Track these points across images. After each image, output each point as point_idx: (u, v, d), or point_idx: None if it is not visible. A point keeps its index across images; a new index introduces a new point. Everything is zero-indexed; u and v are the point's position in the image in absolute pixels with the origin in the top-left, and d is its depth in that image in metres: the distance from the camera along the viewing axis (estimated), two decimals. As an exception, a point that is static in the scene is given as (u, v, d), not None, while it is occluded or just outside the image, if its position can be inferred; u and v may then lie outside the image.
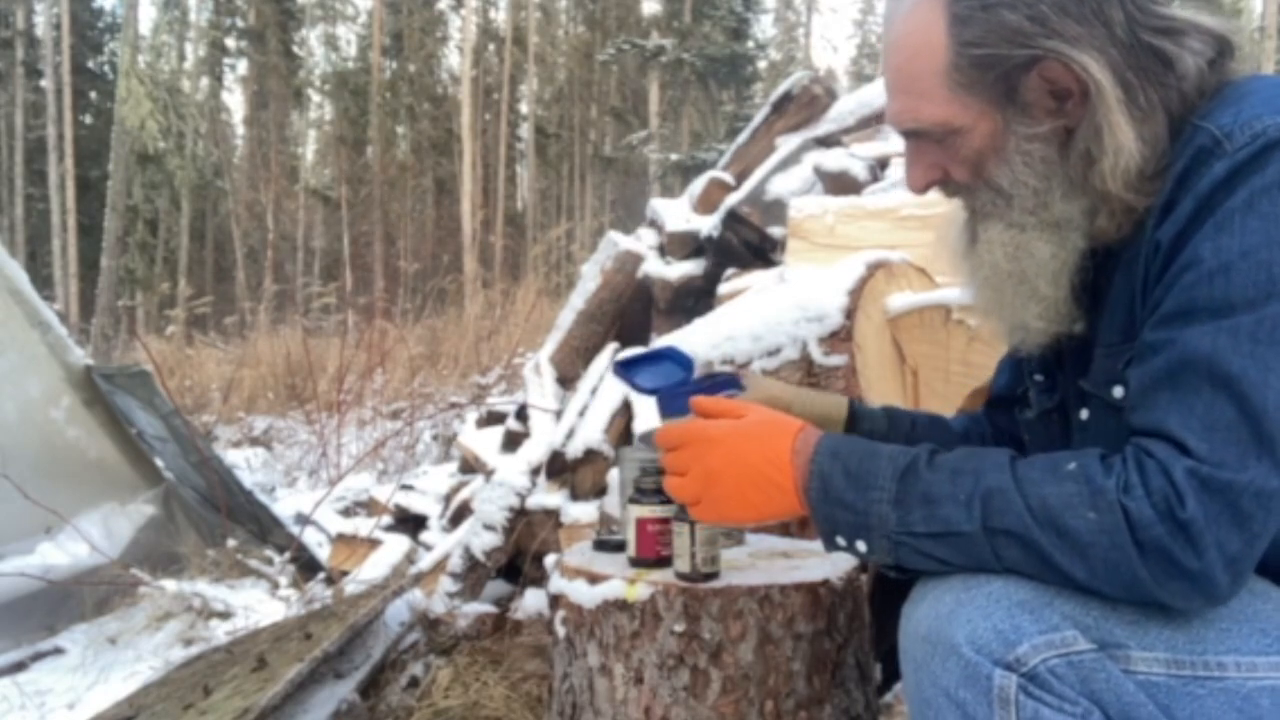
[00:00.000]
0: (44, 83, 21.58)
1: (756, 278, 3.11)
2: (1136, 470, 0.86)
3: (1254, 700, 0.87)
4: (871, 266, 2.03)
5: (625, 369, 1.32)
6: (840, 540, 1.00)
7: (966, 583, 0.92)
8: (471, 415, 4.91)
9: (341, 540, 3.76)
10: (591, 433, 2.96)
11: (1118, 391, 0.98)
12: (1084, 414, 1.07)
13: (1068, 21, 0.94)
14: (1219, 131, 0.91)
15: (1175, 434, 0.86)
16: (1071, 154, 0.98)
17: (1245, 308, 0.86)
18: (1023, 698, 0.86)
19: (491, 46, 25.97)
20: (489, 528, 2.85)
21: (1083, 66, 0.94)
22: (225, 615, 3.24)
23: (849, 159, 3.43)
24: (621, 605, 1.26)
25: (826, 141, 3.88)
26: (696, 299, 3.57)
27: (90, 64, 25.48)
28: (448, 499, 3.76)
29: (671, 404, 1.29)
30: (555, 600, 1.37)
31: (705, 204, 3.96)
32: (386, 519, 3.92)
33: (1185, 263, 0.89)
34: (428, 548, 3.43)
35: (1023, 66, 0.96)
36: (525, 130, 26.36)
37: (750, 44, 21.77)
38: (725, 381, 1.29)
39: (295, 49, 25.71)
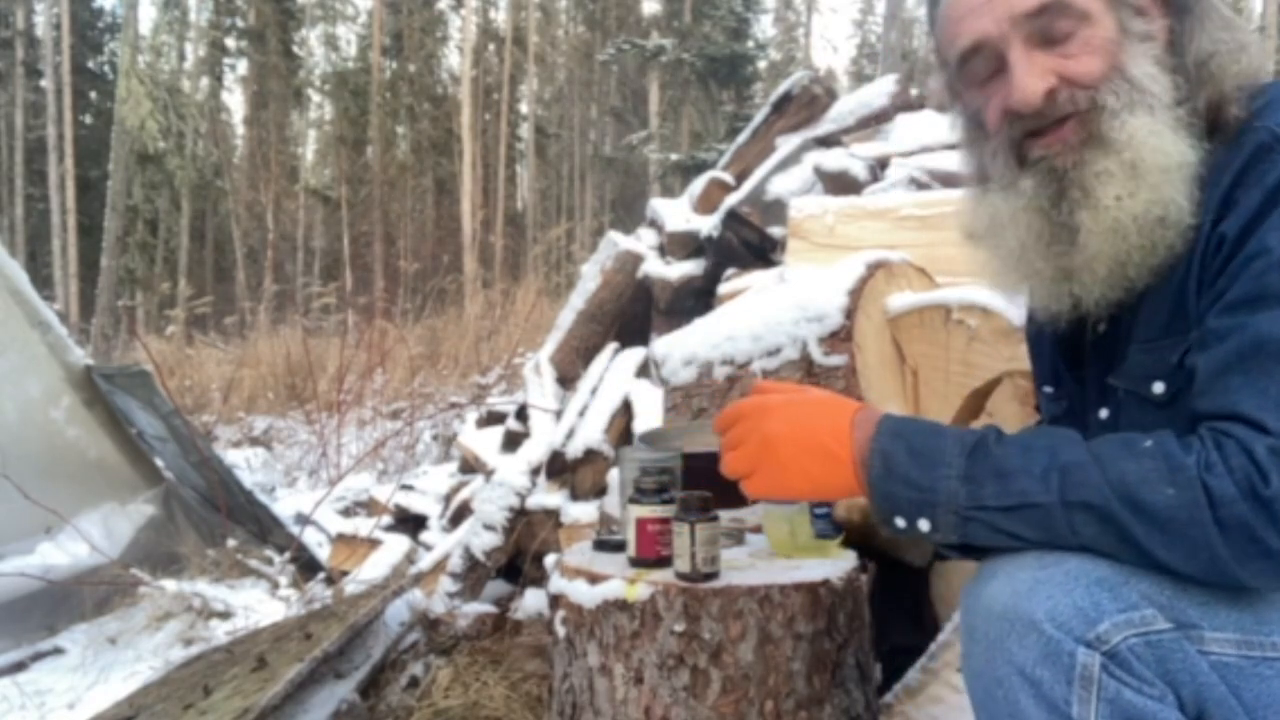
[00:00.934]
0: (44, 83, 21.56)
1: (756, 278, 3.11)
2: (1216, 449, 0.86)
3: None
4: (871, 266, 2.03)
5: None
6: (900, 521, 0.98)
7: (1042, 560, 0.90)
8: (471, 415, 4.90)
9: (341, 540, 3.76)
10: (591, 433, 2.97)
11: (1158, 387, 0.99)
12: (1103, 413, 1.08)
13: None
14: (1278, 129, 0.93)
15: (1252, 415, 0.86)
16: (1181, 61, 1.01)
17: None
18: (1105, 677, 0.85)
19: (491, 46, 25.95)
20: (489, 528, 2.85)
21: None
22: (225, 615, 3.24)
23: (849, 159, 3.43)
24: (621, 605, 1.26)
25: (826, 141, 3.88)
26: (696, 299, 3.57)
27: (90, 64, 25.46)
28: (448, 499, 3.76)
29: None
30: (555, 600, 1.37)
31: (705, 204, 3.96)
32: (386, 519, 3.92)
33: (1253, 253, 0.91)
34: (428, 548, 3.43)
35: None
36: (525, 130, 26.34)
37: (750, 44, 21.73)
38: None
39: (295, 49, 25.68)
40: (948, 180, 3.03)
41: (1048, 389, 1.20)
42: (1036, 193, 1.03)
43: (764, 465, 1.05)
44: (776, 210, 3.44)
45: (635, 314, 3.84)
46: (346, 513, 4.54)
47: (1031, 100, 1.01)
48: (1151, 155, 0.97)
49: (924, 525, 0.96)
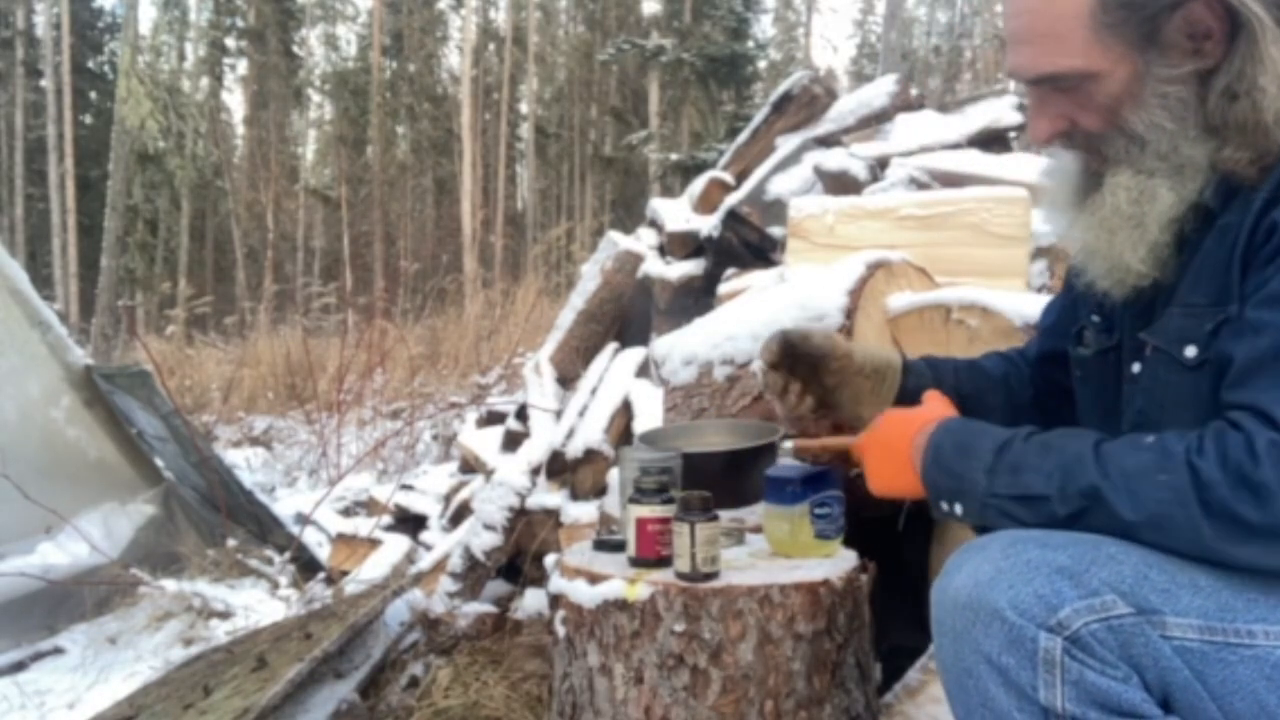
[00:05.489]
0: (44, 83, 21.55)
1: (756, 278, 3.11)
2: (1214, 438, 0.89)
3: None
4: (871, 266, 2.03)
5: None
6: (943, 505, 1.07)
7: (1005, 551, 0.93)
8: (471, 415, 4.90)
9: (341, 540, 3.76)
10: (591, 433, 2.96)
11: (1190, 351, 1.00)
12: (1136, 367, 1.09)
13: None
14: None
15: (1266, 408, 0.88)
16: (1210, 94, 0.99)
17: None
18: (1067, 660, 0.88)
19: (491, 46, 25.95)
20: (489, 528, 2.85)
21: (1241, 2, 0.95)
22: (225, 615, 3.23)
23: (849, 159, 3.43)
24: (621, 605, 1.26)
25: (826, 141, 3.88)
26: (696, 299, 3.57)
27: (90, 64, 25.42)
28: (448, 499, 3.76)
29: (776, 491, 1.38)
30: (555, 600, 1.37)
31: (705, 204, 3.96)
32: (386, 519, 3.92)
33: None
34: (428, 548, 3.43)
35: (1171, 6, 0.97)
36: (525, 130, 26.32)
37: (750, 44, 21.71)
38: (824, 478, 1.36)
39: (295, 49, 25.67)
40: (948, 180, 3.04)
41: (1095, 318, 1.19)
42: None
43: (865, 468, 1.21)
44: (776, 210, 3.44)
45: (635, 314, 3.84)
46: (346, 513, 4.53)
47: (1038, 141, 1.10)
48: (1125, 206, 1.03)
49: (958, 509, 1.05)
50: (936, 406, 1.20)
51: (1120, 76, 1.00)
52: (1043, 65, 1.03)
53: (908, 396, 1.33)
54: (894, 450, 1.14)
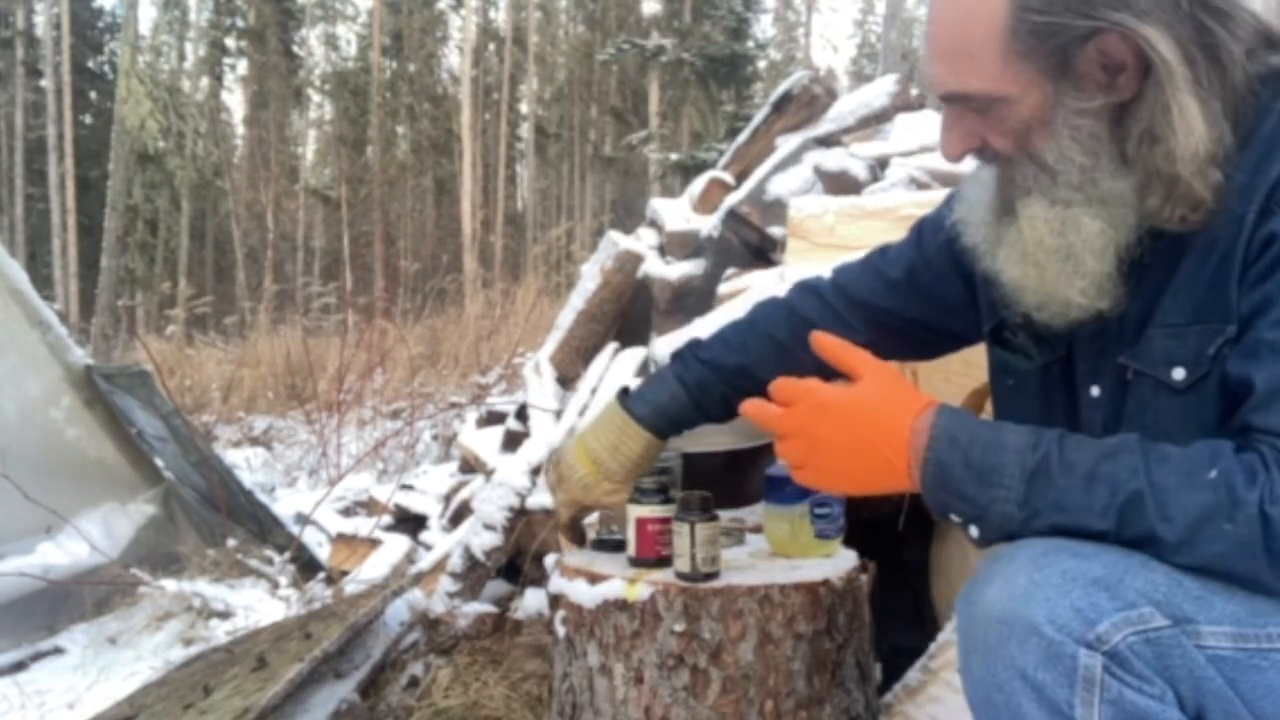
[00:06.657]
0: (44, 83, 21.57)
1: (756, 278, 3.11)
2: None
3: None
4: (871, 266, 2.02)
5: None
6: (954, 518, 0.98)
7: (1038, 563, 0.90)
8: (471, 415, 4.90)
9: (341, 540, 3.76)
10: (591, 433, 2.96)
11: (1178, 373, 0.96)
12: (1095, 390, 1.06)
13: None
14: None
15: None
16: (1127, 132, 0.96)
17: None
18: (1107, 678, 0.85)
19: (491, 46, 25.96)
20: (489, 527, 2.85)
21: (1149, 43, 0.90)
22: (225, 615, 3.24)
23: (849, 159, 3.43)
24: (621, 605, 1.26)
25: (826, 141, 3.88)
26: (696, 299, 3.57)
27: (90, 64, 25.43)
28: (448, 499, 3.76)
29: (776, 491, 1.38)
30: (555, 600, 1.37)
31: (705, 204, 3.96)
32: (386, 519, 3.92)
33: None
34: (428, 548, 3.43)
35: (1082, 37, 0.93)
36: (525, 130, 26.34)
37: (750, 44, 21.72)
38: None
39: (295, 49, 25.69)
40: (948, 180, 3.03)
41: (1007, 332, 1.14)
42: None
43: (812, 463, 1.04)
44: (776, 210, 3.44)
45: (635, 314, 3.84)
46: (346, 513, 4.53)
47: (949, 157, 1.05)
48: (1048, 239, 0.98)
49: (974, 532, 0.97)
50: (880, 391, 1.02)
51: (1031, 103, 0.96)
52: (952, 84, 1.00)
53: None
54: (868, 446, 1.00)
